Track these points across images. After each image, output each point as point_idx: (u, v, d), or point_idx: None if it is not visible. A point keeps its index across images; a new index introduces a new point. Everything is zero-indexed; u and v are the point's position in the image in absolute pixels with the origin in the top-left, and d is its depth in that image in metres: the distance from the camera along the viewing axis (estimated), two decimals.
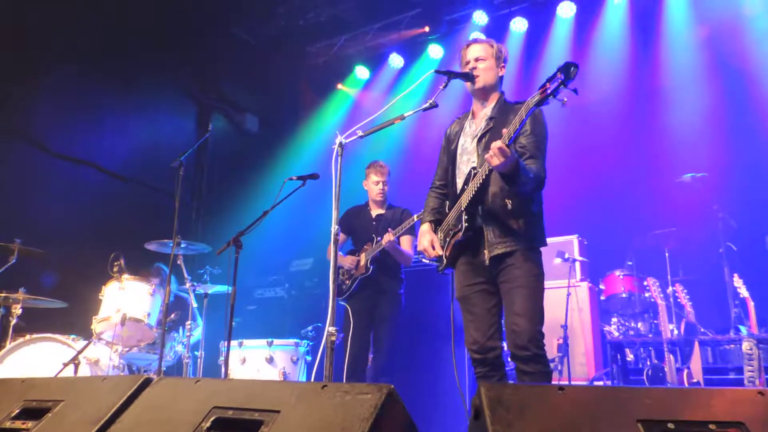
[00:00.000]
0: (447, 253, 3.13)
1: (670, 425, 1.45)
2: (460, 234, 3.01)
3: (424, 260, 3.33)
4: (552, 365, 3.45)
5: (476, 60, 3.18)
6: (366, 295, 4.83)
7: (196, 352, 5.01)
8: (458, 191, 3.10)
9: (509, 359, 2.96)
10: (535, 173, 2.84)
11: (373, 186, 5.05)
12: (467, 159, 3.16)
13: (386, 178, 5.05)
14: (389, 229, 4.67)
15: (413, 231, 4.82)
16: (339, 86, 8.44)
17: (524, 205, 2.96)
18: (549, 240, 3.10)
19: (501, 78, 3.26)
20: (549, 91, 2.50)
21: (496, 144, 2.61)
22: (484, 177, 2.87)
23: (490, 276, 3.00)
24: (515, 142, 2.87)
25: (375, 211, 5.08)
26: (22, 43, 5.64)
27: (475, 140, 3.13)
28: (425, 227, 3.28)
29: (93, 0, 6.05)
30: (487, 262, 2.93)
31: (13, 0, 5.53)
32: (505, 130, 2.70)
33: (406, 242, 4.85)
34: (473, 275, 3.06)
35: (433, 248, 3.16)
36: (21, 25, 5.63)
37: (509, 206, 2.92)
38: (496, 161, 2.62)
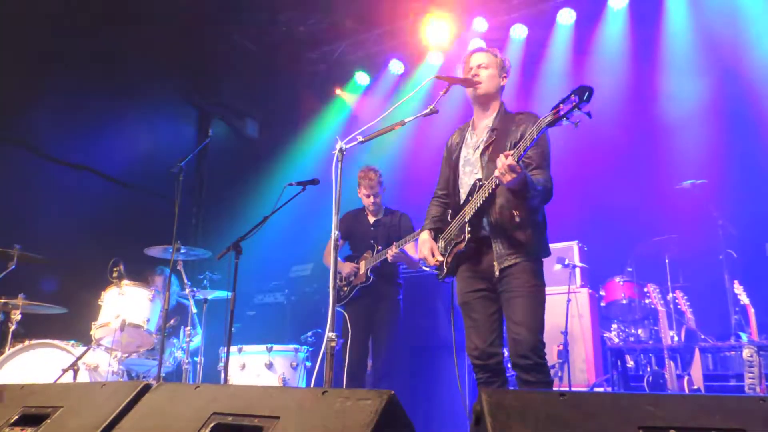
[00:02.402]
0: (448, 262, 3.13)
1: None
2: (462, 245, 3.01)
3: (425, 268, 3.33)
4: (552, 372, 3.44)
5: (478, 67, 3.18)
6: (364, 302, 4.80)
7: (195, 358, 4.99)
8: (461, 202, 3.10)
9: (509, 366, 2.95)
10: (543, 185, 2.84)
11: (364, 198, 4.98)
12: (470, 170, 3.15)
13: (377, 190, 4.91)
14: (394, 243, 4.64)
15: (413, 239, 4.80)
16: (339, 92, 8.44)
17: (531, 216, 2.95)
18: (549, 246, 3.09)
19: (502, 88, 3.25)
20: (562, 113, 2.45)
21: (507, 161, 2.59)
22: (491, 191, 2.86)
23: (491, 283, 3.00)
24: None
25: (373, 217, 5.06)
26: (21, 49, 5.65)
27: (478, 152, 3.12)
28: (425, 235, 3.27)
29: (93, 5, 6.06)
30: (496, 273, 2.92)
31: (12, 6, 5.53)
32: (509, 152, 2.67)
33: (410, 249, 4.82)
34: (475, 282, 3.06)
35: (433, 256, 3.16)
36: (21, 31, 5.64)
37: (517, 218, 2.91)
38: (508, 178, 2.61)
